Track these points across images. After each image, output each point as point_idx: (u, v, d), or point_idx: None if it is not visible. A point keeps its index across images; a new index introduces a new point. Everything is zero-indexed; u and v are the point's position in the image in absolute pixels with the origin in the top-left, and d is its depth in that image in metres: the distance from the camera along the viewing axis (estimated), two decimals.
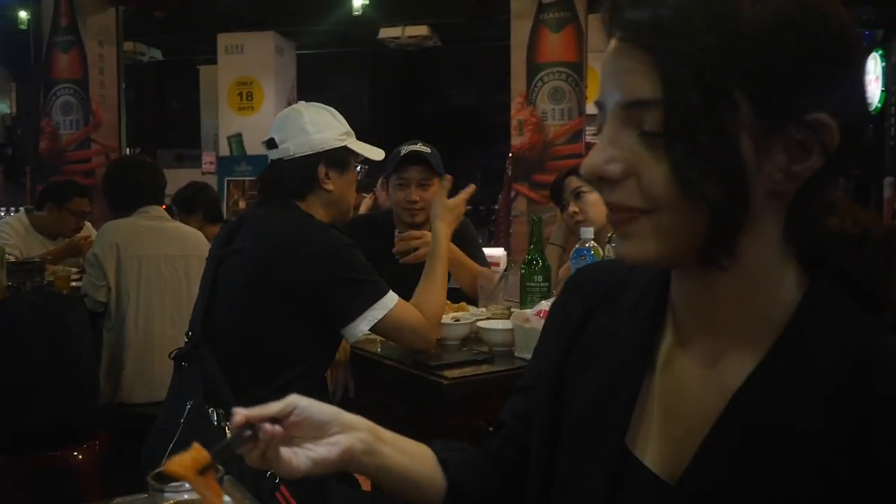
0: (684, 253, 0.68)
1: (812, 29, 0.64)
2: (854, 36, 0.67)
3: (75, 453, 2.55)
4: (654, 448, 0.73)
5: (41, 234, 3.92)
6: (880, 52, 8.07)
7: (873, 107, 8.22)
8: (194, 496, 0.86)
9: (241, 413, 0.82)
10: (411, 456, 0.90)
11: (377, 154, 2.11)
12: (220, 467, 0.89)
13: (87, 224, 4.17)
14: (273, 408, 0.83)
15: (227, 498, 0.99)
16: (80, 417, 2.58)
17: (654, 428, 0.74)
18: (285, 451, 0.83)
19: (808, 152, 0.65)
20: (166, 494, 0.86)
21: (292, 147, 1.96)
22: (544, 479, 0.83)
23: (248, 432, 0.83)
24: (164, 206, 3.14)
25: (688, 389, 0.73)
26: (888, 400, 0.63)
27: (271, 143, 2.01)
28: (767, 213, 0.67)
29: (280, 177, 1.98)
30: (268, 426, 0.82)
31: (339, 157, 1.99)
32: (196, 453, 0.82)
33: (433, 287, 2.02)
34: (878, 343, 0.66)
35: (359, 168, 2.10)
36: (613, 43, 0.68)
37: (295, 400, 0.85)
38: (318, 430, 0.85)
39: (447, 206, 2.17)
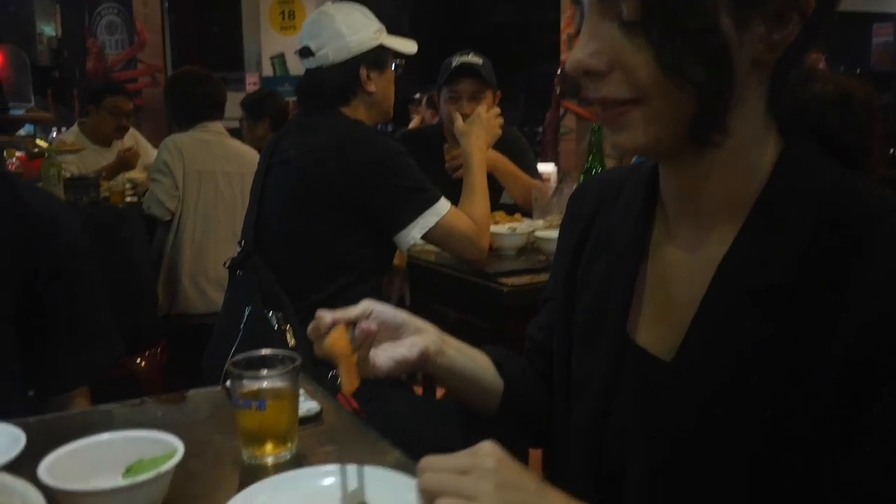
0: (675, 137, 0.68)
1: None
2: None
3: (138, 360, 2.62)
4: (649, 331, 0.77)
5: (94, 143, 3.94)
6: None
7: None
8: (270, 385, 0.87)
9: (328, 315, 0.84)
10: (473, 359, 0.94)
11: (410, 46, 2.05)
12: (296, 357, 0.89)
13: (136, 135, 4.18)
14: (353, 311, 0.87)
15: (301, 389, 1.00)
16: (141, 326, 2.64)
17: (648, 312, 0.78)
18: (370, 352, 0.85)
19: (786, 20, 0.65)
20: (244, 382, 0.86)
21: (331, 53, 1.92)
22: (566, 378, 0.86)
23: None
24: None
25: (677, 272, 0.76)
26: (858, 244, 0.64)
27: (306, 52, 1.95)
28: (751, 84, 0.68)
29: (321, 85, 1.94)
30: (364, 324, 0.84)
31: (377, 57, 1.95)
32: (342, 335, 0.81)
33: (475, 198, 1.99)
34: (849, 194, 0.67)
35: (395, 66, 2.05)
36: None
37: (370, 304, 0.88)
38: (393, 333, 0.88)
39: (474, 120, 2.14)
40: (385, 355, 0.85)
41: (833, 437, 0.63)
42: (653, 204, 0.79)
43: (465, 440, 0.97)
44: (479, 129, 2.13)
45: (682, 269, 0.75)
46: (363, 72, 1.92)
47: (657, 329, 0.76)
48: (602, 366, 0.78)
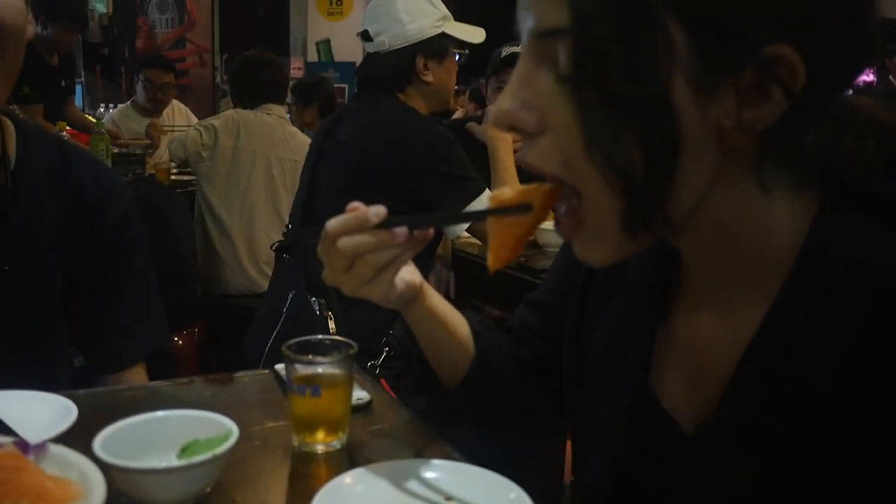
0: (627, 243, 0.57)
1: None
2: None
3: (175, 338, 2.63)
4: (671, 391, 0.68)
5: (142, 115, 3.99)
6: None
7: None
8: (325, 371, 0.85)
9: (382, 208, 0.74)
10: (452, 313, 0.88)
11: (478, 35, 2.02)
12: (352, 344, 0.88)
13: (176, 108, 4.18)
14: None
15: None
16: (181, 305, 2.65)
17: (671, 371, 0.69)
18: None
19: (766, 96, 0.52)
20: (297, 366, 0.85)
21: (387, 40, 1.90)
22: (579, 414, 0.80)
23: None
24: None
25: (702, 333, 0.66)
26: None
27: (366, 36, 1.94)
28: (728, 165, 0.55)
29: (377, 71, 1.92)
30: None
31: (437, 46, 1.92)
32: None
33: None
34: None
35: (458, 56, 2.02)
36: None
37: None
38: None
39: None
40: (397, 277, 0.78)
41: None
42: (674, 252, 0.69)
43: (416, 399, 0.93)
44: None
45: (709, 328, 0.66)
46: (420, 61, 1.90)
47: (678, 388, 0.68)
48: (618, 419, 0.71)
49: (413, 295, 0.83)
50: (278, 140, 2.90)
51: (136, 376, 1.18)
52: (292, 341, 0.85)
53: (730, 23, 0.50)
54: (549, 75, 0.55)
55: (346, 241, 0.73)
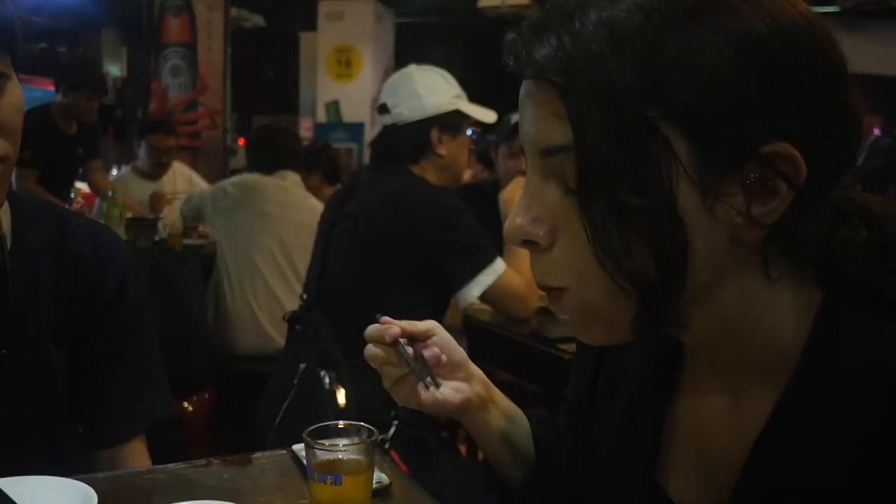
0: (628, 332, 0.59)
1: (767, 45, 0.53)
2: (819, 45, 0.55)
3: (185, 405, 2.62)
4: (679, 484, 0.68)
5: (143, 180, 4.00)
6: None
7: None
8: (346, 457, 0.85)
9: (396, 325, 0.85)
10: (513, 421, 0.90)
11: (489, 116, 2.08)
12: (374, 431, 0.88)
13: (179, 170, 4.20)
14: (420, 326, 0.86)
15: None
16: (191, 370, 2.65)
17: (679, 464, 0.69)
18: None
19: (773, 191, 0.54)
20: (317, 452, 0.85)
21: (405, 112, 1.94)
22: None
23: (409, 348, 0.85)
24: None
25: (710, 426, 0.66)
26: None
27: (383, 109, 1.99)
28: (737, 260, 0.57)
29: (393, 142, 1.97)
30: (435, 349, 0.85)
31: (452, 121, 1.97)
32: None
33: (519, 255, 1.98)
34: None
35: (470, 132, 2.06)
36: (525, 82, 0.59)
37: (435, 326, 0.87)
38: (448, 368, 0.86)
39: (518, 183, 2.16)
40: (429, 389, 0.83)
41: None
42: (677, 345, 0.69)
43: (486, 496, 0.95)
44: (519, 190, 2.13)
45: (717, 420, 0.65)
46: (435, 134, 1.94)
47: (686, 481, 0.68)
48: None
49: (461, 407, 0.85)
50: (293, 204, 2.93)
51: (135, 451, 1.13)
52: (313, 427, 0.85)
53: (725, 127, 0.52)
54: (558, 189, 0.57)
55: (369, 349, 0.87)
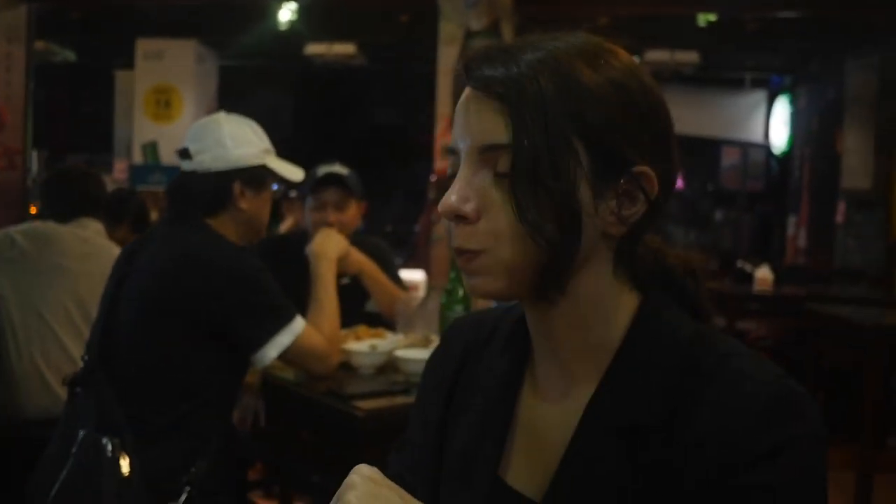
0: (523, 287, 0.75)
1: (636, 94, 0.74)
2: (662, 101, 0.78)
3: None
4: (521, 473, 0.80)
5: None
6: (788, 96, 8.48)
7: (780, 150, 8.61)
8: None
9: None
10: None
11: (296, 174, 2.05)
12: None
13: None
14: None
15: None
16: None
17: (518, 454, 0.81)
18: None
19: (634, 200, 0.75)
20: None
21: (207, 160, 1.88)
22: None
23: None
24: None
25: (544, 414, 0.81)
26: (710, 381, 0.71)
27: (185, 154, 1.91)
28: (600, 251, 0.76)
29: (191, 190, 1.89)
30: None
31: (257, 176, 1.92)
32: None
33: (324, 312, 1.99)
34: (704, 340, 0.75)
35: (275, 187, 2.03)
36: (468, 92, 0.76)
37: None
38: None
39: (326, 234, 2.17)
40: None
41: None
42: (524, 348, 0.84)
43: None
44: (327, 242, 2.13)
45: (550, 411, 0.80)
46: (237, 187, 1.89)
47: (527, 470, 0.80)
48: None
49: None
50: (93, 255, 2.72)
51: None
52: None
53: (611, 149, 0.73)
54: (487, 175, 0.74)
55: None
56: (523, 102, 0.71)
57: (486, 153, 0.74)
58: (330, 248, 2.16)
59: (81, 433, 1.70)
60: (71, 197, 2.81)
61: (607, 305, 0.78)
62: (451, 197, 0.75)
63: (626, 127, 0.73)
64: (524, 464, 0.80)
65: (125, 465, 1.66)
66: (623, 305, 0.78)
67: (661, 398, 0.72)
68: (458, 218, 0.75)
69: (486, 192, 0.74)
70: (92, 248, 2.74)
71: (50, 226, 2.74)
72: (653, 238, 0.82)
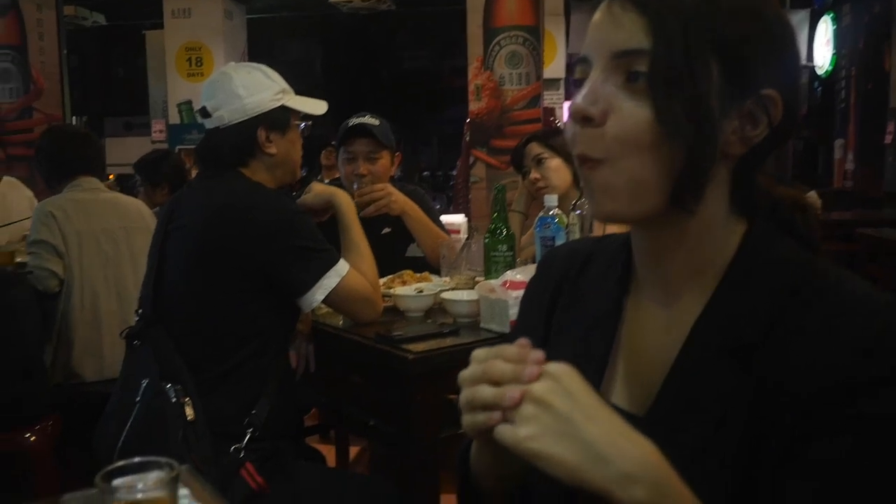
0: (647, 206, 0.74)
1: (770, 18, 0.75)
2: (792, 31, 0.78)
3: (27, 435, 2.46)
4: (624, 392, 0.81)
5: None
6: (832, 15, 8.14)
7: (824, 70, 8.31)
8: (146, 496, 0.81)
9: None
10: None
11: (319, 108, 2.02)
12: (174, 464, 0.84)
13: (11, 183, 3.95)
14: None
15: (185, 490, 0.94)
16: (30, 398, 2.48)
17: (622, 372, 0.82)
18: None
19: (756, 123, 0.75)
20: (117, 495, 0.80)
21: (226, 114, 1.87)
22: None
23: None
24: (112, 176, 2.98)
25: (649, 334, 0.81)
26: (810, 306, 0.71)
27: (204, 112, 1.90)
28: (718, 173, 0.76)
29: (218, 147, 1.89)
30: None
31: (278, 118, 1.91)
32: None
33: (361, 255, 1.97)
34: (805, 267, 0.75)
35: (302, 125, 2.01)
36: (606, 4, 0.76)
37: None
38: None
39: (330, 190, 2.13)
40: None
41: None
42: (628, 272, 0.85)
43: None
44: (337, 195, 2.09)
45: (655, 331, 0.81)
46: (261, 133, 1.88)
47: (630, 390, 0.81)
48: None
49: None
50: (97, 213, 2.75)
51: None
52: (105, 469, 0.80)
53: (745, 68, 0.73)
54: (618, 80, 0.74)
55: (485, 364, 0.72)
56: (665, 11, 0.72)
57: (620, 58, 0.73)
58: (343, 200, 2.12)
59: (144, 382, 1.75)
60: (60, 160, 2.82)
61: (720, 228, 0.78)
62: (580, 100, 0.75)
63: (759, 48, 0.73)
64: (627, 385, 0.82)
65: (189, 410, 1.70)
66: (733, 230, 0.79)
67: (770, 319, 0.72)
68: (585, 120, 0.74)
69: (616, 98, 0.74)
70: (96, 206, 2.77)
71: (49, 203, 2.75)
72: (764, 171, 0.82)
